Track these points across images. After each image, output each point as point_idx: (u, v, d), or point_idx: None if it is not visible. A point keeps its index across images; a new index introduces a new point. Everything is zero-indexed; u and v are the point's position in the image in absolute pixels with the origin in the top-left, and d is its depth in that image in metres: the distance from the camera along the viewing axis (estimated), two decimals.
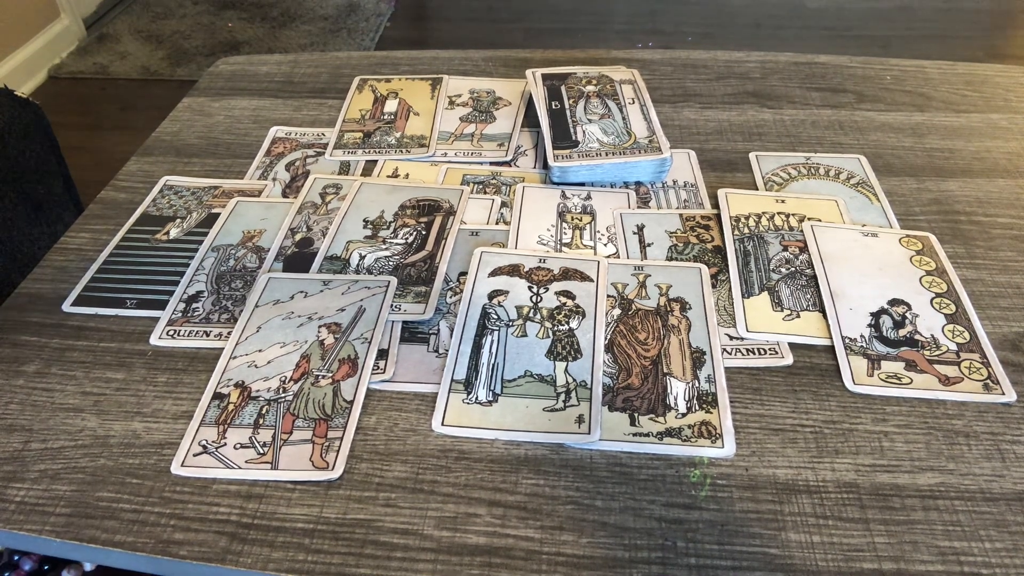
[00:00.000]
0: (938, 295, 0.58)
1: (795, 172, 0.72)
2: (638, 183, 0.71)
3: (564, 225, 0.66)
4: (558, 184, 0.71)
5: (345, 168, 0.75)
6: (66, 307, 0.60)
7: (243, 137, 0.80)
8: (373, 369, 0.54)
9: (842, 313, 0.57)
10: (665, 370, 0.53)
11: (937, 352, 0.54)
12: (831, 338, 0.55)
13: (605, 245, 0.64)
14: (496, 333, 0.56)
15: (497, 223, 0.67)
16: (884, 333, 0.55)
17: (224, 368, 0.54)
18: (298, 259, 0.63)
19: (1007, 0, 2.63)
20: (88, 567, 0.64)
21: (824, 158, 0.74)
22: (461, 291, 0.60)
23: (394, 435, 0.50)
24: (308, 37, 2.45)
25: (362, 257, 0.63)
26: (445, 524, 0.45)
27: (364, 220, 0.67)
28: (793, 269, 0.61)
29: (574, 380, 0.52)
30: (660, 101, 0.82)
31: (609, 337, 0.56)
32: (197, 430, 0.50)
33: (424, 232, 0.66)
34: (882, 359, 0.54)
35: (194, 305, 0.60)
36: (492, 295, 0.59)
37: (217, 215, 0.69)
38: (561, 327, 0.56)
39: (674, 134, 0.78)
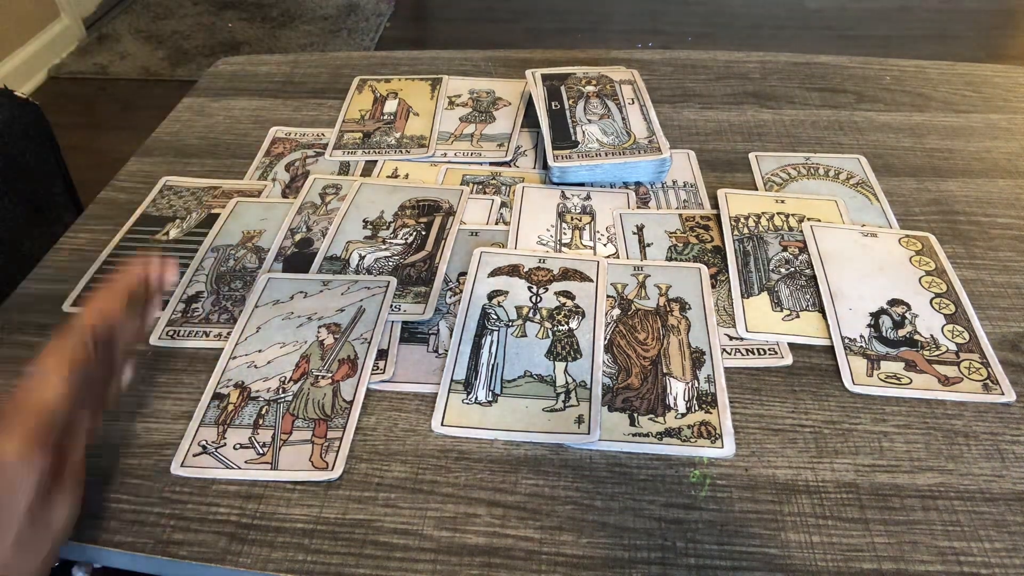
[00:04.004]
0: (937, 295, 0.58)
1: (795, 172, 0.72)
2: (638, 183, 0.71)
3: (564, 225, 0.66)
4: (558, 184, 0.71)
5: (345, 168, 0.75)
6: (66, 307, 0.60)
7: (243, 137, 0.80)
8: (373, 369, 0.54)
9: (841, 313, 0.57)
10: (665, 370, 0.53)
11: (936, 352, 0.54)
12: (831, 338, 0.55)
13: (605, 245, 0.64)
14: (496, 333, 0.56)
15: (497, 223, 0.67)
16: (884, 333, 0.55)
17: (224, 368, 0.54)
18: (298, 259, 0.63)
19: (1007, 0, 2.63)
20: (97, 564, 0.64)
21: (824, 158, 0.74)
22: (461, 291, 0.60)
23: (394, 435, 0.50)
24: (308, 37, 2.46)
25: (362, 257, 0.63)
26: (445, 524, 0.45)
27: (364, 220, 0.67)
28: (793, 269, 0.61)
29: (574, 380, 0.53)
30: (660, 101, 0.82)
31: (609, 337, 0.56)
32: (197, 430, 0.50)
33: (424, 232, 0.66)
34: (881, 359, 0.54)
35: (194, 305, 0.60)
36: (492, 295, 0.59)
37: (217, 215, 0.69)
38: (561, 327, 0.56)
39: (674, 134, 0.78)
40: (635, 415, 0.50)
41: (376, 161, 0.75)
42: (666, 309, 0.58)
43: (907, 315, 0.57)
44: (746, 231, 0.65)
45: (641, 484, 0.47)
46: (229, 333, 0.57)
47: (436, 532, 0.45)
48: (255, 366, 0.54)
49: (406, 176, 0.73)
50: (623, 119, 0.74)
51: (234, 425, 0.50)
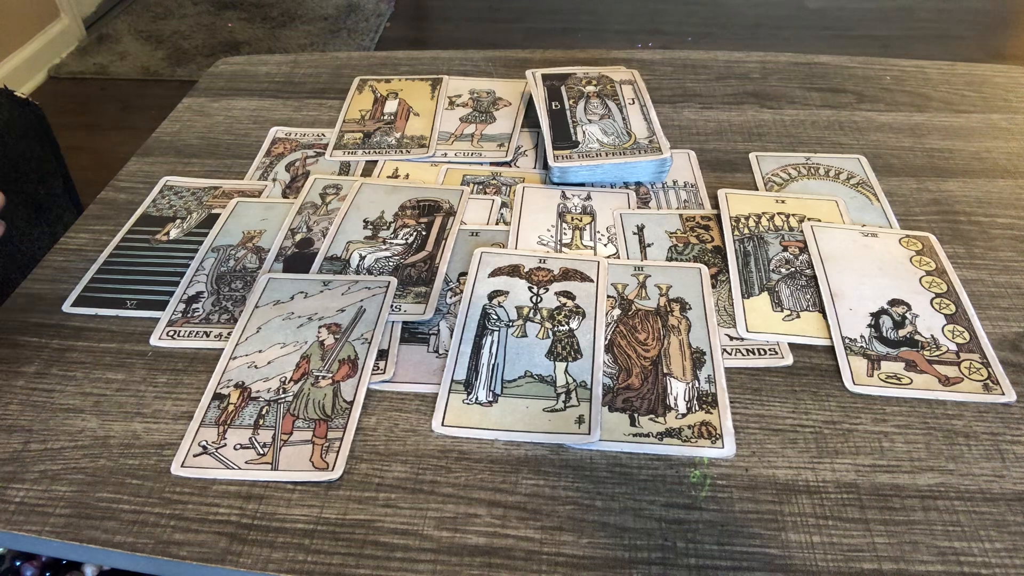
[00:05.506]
0: (938, 295, 0.58)
1: (795, 172, 0.72)
2: (638, 183, 0.71)
3: (564, 225, 0.66)
4: (558, 184, 0.71)
5: (345, 168, 0.75)
6: (66, 307, 0.60)
7: (243, 137, 0.80)
8: (373, 370, 0.54)
9: (842, 313, 0.57)
10: (665, 370, 0.53)
11: (937, 352, 0.54)
12: (831, 338, 0.55)
13: (605, 245, 0.64)
14: (496, 333, 0.56)
15: (497, 223, 0.67)
16: (884, 333, 0.55)
17: (224, 369, 0.54)
18: (298, 259, 0.63)
19: (1007, 0, 2.63)
20: (106, 566, 0.64)
21: (824, 158, 0.74)
22: (461, 291, 0.60)
23: (394, 435, 0.50)
24: (308, 37, 2.46)
25: (362, 257, 0.63)
26: (445, 524, 0.45)
27: (364, 220, 0.67)
28: (793, 269, 0.61)
29: (574, 380, 0.52)
30: (660, 101, 0.82)
31: (609, 337, 0.56)
32: (197, 431, 0.50)
33: (424, 232, 0.66)
34: (882, 359, 0.54)
35: (194, 306, 0.60)
36: (492, 295, 0.59)
37: (217, 215, 0.69)
38: (561, 327, 0.56)
39: (674, 134, 0.78)
40: (635, 415, 0.50)
41: (376, 161, 0.75)
42: (666, 309, 0.58)
43: (907, 315, 0.57)
44: (746, 231, 0.65)
45: (641, 484, 0.47)
46: (229, 333, 0.57)
47: (436, 532, 0.45)
48: (255, 366, 0.54)
49: (406, 176, 0.73)
50: (623, 119, 0.74)
51: (234, 425, 0.50)
